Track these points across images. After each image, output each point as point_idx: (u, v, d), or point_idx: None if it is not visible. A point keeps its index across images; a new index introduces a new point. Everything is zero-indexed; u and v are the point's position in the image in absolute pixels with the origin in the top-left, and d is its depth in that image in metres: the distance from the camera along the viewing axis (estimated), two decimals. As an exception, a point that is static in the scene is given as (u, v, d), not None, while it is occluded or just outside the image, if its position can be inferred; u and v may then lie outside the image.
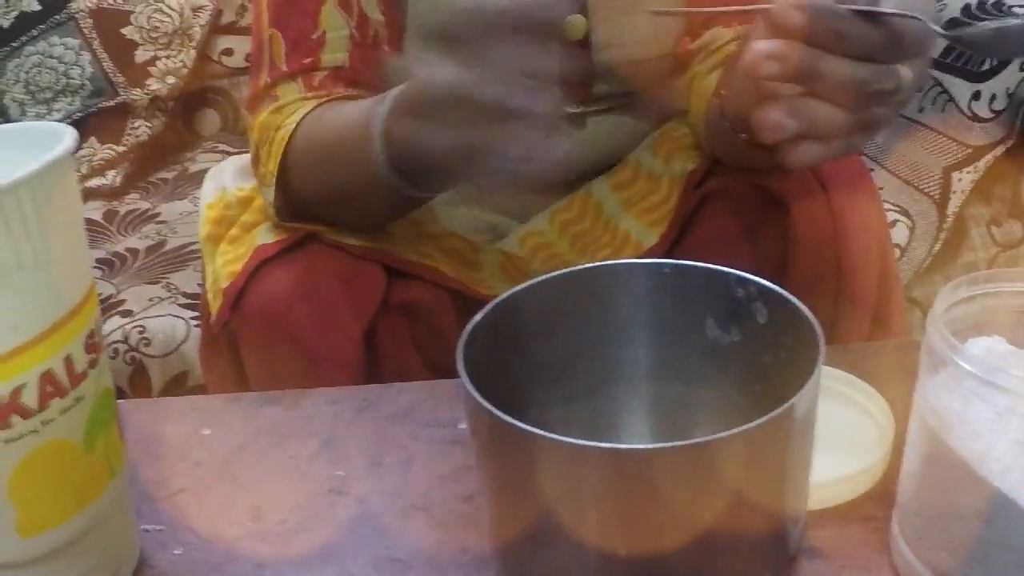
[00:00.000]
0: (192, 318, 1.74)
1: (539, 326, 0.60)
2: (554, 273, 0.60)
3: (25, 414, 0.64)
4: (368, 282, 1.10)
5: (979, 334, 0.67)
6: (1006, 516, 0.62)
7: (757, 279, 0.58)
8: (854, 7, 0.72)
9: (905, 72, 0.75)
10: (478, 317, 0.56)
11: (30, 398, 0.64)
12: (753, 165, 1.12)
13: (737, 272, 0.59)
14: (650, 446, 0.46)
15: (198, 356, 1.28)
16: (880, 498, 0.77)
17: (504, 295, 0.57)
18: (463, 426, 0.89)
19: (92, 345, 0.69)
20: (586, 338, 0.63)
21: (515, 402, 0.55)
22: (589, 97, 1.23)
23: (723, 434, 0.46)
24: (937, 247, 1.94)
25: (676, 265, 0.60)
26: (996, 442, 0.62)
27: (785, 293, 0.57)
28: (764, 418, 0.47)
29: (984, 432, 0.62)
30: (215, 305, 1.12)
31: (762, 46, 0.75)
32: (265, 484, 0.85)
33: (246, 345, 1.10)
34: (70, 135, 0.67)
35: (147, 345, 1.70)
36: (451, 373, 1.14)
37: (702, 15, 1.19)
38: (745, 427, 0.47)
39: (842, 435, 0.82)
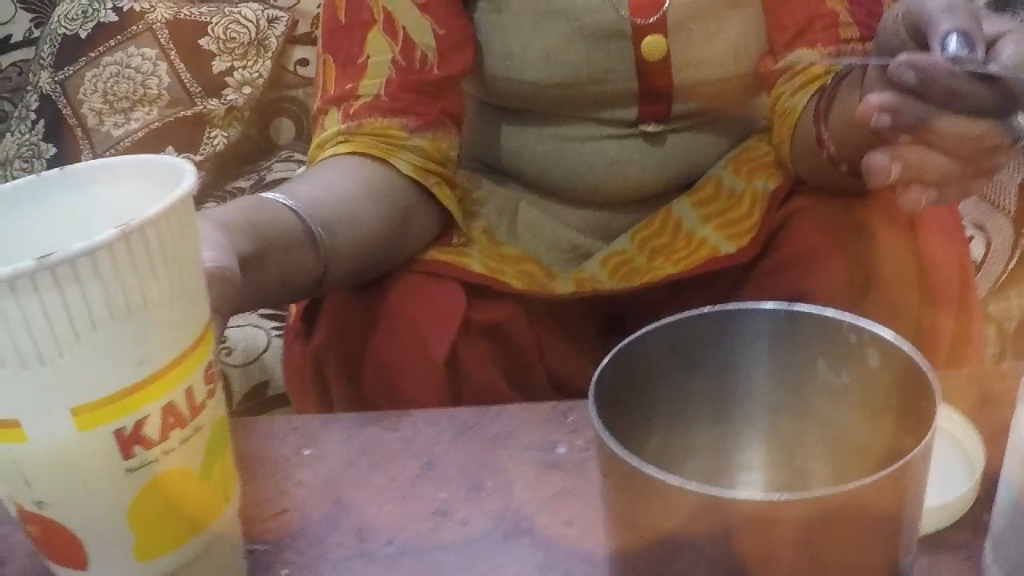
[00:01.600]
0: (273, 328, 1.77)
1: (661, 365, 0.62)
2: (675, 317, 0.61)
3: (147, 445, 0.65)
4: (448, 304, 1.12)
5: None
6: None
7: (870, 325, 0.59)
8: (967, 68, 0.72)
9: (1019, 123, 0.75)
10: (605, 361, 0.57)
11: (152, 430, 0.65)
12: (842, 191, 1.13)
13: (850, 319, 0.60)
14: (776, 497, 0.48)
15: (282, 365, 1.30)
16: (971, 526, 0.78)
17: (629, 338, 0.59)
18: (561, 450, 0.91)
19: (210, 375, 0.70)
20: (704, 377, 0.64)
21: (637, 434, 0.56)
22: (669, 115, 1.24)
23: (845, 487, 0.48)
24: (1013, 263, 1.93)
25: (790, 311, 0.62)
26: (1096, 479, 0.63)
27: (898, 340, 0.58)
28: (883, 472, 0.49)
29: (1084, 468, 0.63)
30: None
31: (875, 99, 0.75)
32: (369, 505, 0.86)
33: (331, 366, 1.13)
34: (190, 172, 0.67)
35: (228, 355, 1.73)
36: (532, 390, 1.17)
37: (785, 36, 1.20)
38: (864, 481, 0.48)
39: (933, 464, 0.83)
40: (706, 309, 0.62)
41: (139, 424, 0.65)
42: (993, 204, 1.97)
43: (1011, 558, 0.69)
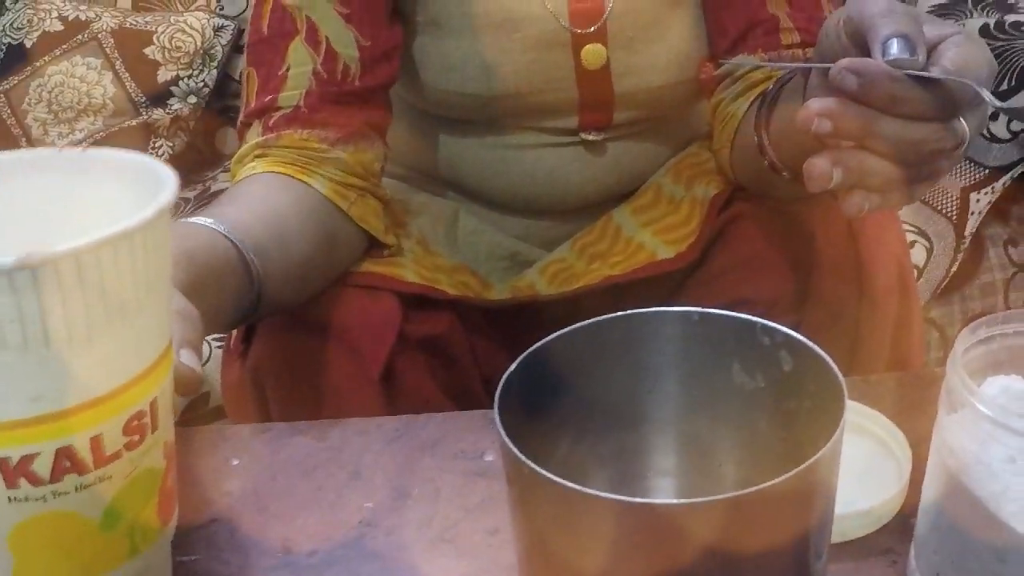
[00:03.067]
0: (214, 339, 1.75)
1: (572, 370, 0.61)
2: (587, 322, 0.61)
3: (35, 482, 0.60)
4: (383, 318, 1.11)
5: (997, 373, 0.68)
6: (1021, 557, 0.63)
7: (783, 328, 0.59)
8: (909, 71, 0.73)
9: (961, 126, 0.76)
10: (512, 367, 0.57)
11: (42, 468, 0.60)
12: (782, 197, 1.13)
13: (763, 321, 0.60)
14: (680, 501, 0.47)
15: (219, 378, 1.29)
16: (898, 531, 0.78)
17: (538, 344, 0.59)
18: (489, 457, 0.90)
19: (135, 427, 0.63)
20: (617, 381, 0.64)
21: (547, 439, 0.56)
22: (610, 124, 1.24)
23: (749, 490, 0.48)
24: (954, 268, 1.94)
25: (704, 313, 0.62)
26: (1012, 484, 0.63)
27: (809, 343, 0.58)
28: (788, 474, 0.48)
29: (1000, 473, 0.63)
30: None
31: (816, 104, 0.75)
32: (295, 515, 0.86)
33: (269, 384, 1.12)
34: (170, 177, 0.62)
35: (170, 365, 1.71)
36: (469, 399, 1.17)
37: (725, 41, 1.20)
38: (770, 483, 0.48)
39: (861, 469, 0.83)
40: (617, 314, 0.62)
41: (26, 460, 0.60)
42: (935, 209, 1.98)
43: (934, 563, 0.70)
